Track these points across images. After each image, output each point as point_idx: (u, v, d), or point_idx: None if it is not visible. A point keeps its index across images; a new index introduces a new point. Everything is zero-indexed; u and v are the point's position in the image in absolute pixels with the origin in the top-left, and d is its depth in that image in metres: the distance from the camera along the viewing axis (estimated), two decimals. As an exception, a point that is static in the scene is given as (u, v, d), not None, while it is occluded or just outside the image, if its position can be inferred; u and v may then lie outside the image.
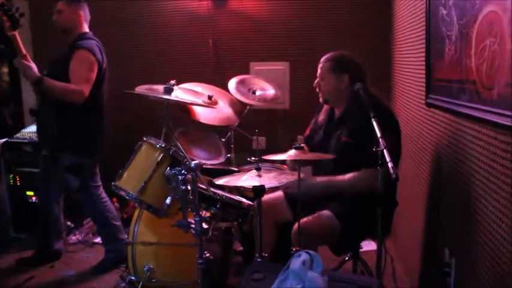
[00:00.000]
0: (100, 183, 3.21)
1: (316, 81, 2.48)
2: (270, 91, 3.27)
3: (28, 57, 2.88)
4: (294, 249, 2.05)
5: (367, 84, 2.34)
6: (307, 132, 2.68)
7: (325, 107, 2.58)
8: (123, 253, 2.72)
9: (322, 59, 2.47)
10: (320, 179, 2.37)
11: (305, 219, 2.22)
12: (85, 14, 3.09)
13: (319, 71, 2.47)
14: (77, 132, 3.00)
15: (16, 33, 2.81)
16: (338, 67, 2.40)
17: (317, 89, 2.49)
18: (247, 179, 2.10)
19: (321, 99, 2.51)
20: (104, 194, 3.22)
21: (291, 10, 3.88)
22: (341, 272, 2.49)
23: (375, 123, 1.96)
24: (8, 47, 2.90)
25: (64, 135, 2.99)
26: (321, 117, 2.59)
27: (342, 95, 2.41)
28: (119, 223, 3.26)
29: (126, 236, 3.20)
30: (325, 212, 2.27)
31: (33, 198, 3.59)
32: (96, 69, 2.95)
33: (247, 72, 3.88)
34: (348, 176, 2.27)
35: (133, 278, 2.55)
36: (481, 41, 1.51)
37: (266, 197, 2.48)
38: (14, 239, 3.62)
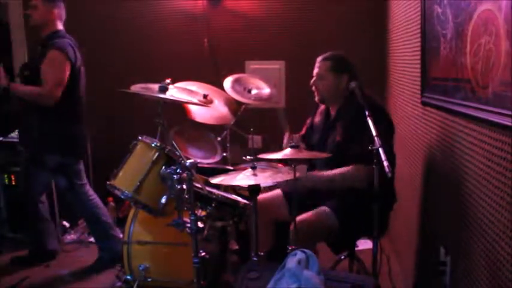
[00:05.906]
0: (86, 181, 3.21)
1: (313, 80, 2.46)
2: (266, 90, 3.27)
3: None
4: (289, 248, 2.05)
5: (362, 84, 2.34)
6: (303, 131, 2.68)
7: (321, 108, 2.58)
8: (117, 251, 2.71)
9: (319, 58, 2.46)
10: (318, 173, 2.35)
11: (304, 215, 2.23)
12: (60, 12, 3.03)
13: (316, 70, 2.45)
14: (58, 132, 2.98)
15: None
16: (337, 66, 2.39)
17: (313, 88, 2.47)
18: (243, 178, 2.10)
19: (316, 99, 2.50)
20: (91, 192, 3.21)
21: (286, 9, 3.88)
22: (337, 271, 2.49)
23: (370, 122, 1.96)
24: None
25: (46, 136, 2.97)
26: (317, 118, 2.58)
27: (339, 95, 2.41)
28: (109, 220, 3.25)
29: (119, 234, 3.20)
30: (324, 208, 2.28)
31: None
32: (68, 70, 2.90)
33: (242, 71, 3.86)
34: (338, 170, 2.26)
35: (129, 277, 2.54)
36: (476, 40, 1.51)
37: (263, 196, 2.47)
38: (10, 239, 3.60)
